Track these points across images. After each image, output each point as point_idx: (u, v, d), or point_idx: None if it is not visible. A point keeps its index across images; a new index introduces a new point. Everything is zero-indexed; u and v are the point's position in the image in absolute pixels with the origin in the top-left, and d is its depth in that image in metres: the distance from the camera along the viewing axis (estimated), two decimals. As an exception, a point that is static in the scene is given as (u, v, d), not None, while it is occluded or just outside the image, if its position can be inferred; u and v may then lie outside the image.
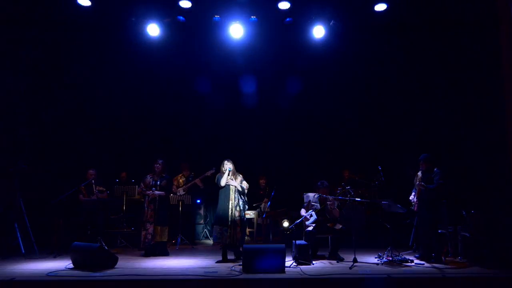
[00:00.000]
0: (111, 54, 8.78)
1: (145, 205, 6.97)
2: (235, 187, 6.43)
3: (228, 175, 6.44)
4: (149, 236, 6.79)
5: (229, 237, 6.28)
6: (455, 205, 6.84)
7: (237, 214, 6.35)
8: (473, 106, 7.96)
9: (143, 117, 9.46)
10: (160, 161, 7.12)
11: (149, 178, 7.06)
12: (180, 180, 8.56)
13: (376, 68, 9.09)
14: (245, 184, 6.53)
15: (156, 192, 6.94)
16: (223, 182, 6.42)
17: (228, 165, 6.49)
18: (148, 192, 6.95)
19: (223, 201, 6.44)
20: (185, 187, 8.38)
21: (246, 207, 6.61)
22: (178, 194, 8.29)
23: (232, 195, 6.42)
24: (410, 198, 6.61)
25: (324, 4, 7.83)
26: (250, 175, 6.77)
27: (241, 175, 6.62)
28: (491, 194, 6.99)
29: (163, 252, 6.91)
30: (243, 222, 6.47)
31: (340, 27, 8.05)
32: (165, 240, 6.99)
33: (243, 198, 6.50)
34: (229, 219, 6.31)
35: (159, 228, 6.86)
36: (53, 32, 8.38)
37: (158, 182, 7.03)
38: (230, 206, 6.36)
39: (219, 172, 6.61)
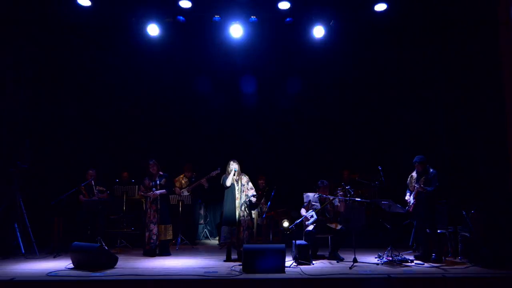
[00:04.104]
0: (111, 54, 8.78)
1: (147, 206, 6.99)
2: (241, 186, 6.42)
3: (234, 175, 6.45)
4: (154, 237, 6.81)
5: (236, 236, 6.28)
6: (455, 205, 6.84)
7: (245, 214, 6.35)
8: (473, 105, 7.95)
9: (143, 117, 9.45)
10: (151, 162, 7.09)
11: (147, 180, 7.07)
12: (183, 181, 8.52)
13: (376, 68, 9.09)
14: (251, 192, 6.51)
15: (157, 192, 6.95)
16: (228, 182, 6.42)
17: (234, 166, 6.49)
18: (149, 193, 6.96)
19: (230, 201, 6.43)
20: (189, 188, 8.36)
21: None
22: (183, 194, 8.28)
23: (238, 194, 6.43)
24: (406, 198, 6.62)
25: (324, 4, 7.83)
26: (249, 175, 6.77)
27: (246, 176, 6.62)
28: (491, 194, 6.98)
29: (165, 251, 6.92)
30: (251, 222, 6.47)
31: (340, 27, 8.05)
32: (170, 238, 7.03)
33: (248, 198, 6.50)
34: (237, 218, 6.33)
35: (163, 226, 6.89)
36: (53, 32, 8.38)
37: (158, 182, 7.04)
38: (237, 205, 6.38)
39: (225, 172, 6.59)
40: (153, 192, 6.94)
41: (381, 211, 7.26)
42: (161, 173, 7.16)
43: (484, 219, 6.32)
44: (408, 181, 6.57)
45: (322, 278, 5.08)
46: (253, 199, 6.50)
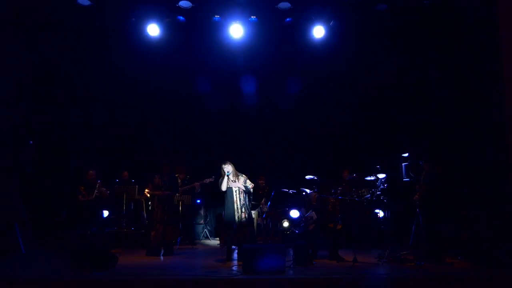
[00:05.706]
0: (111, 54, 8.77)
1: (154, 205, 7.01)
2: (238, 188, 6.36)
3: (229, 178, 6.34)
4: (160, 236, 6.84)
5: (236, 237, 6.23)
6: (455, 205, 6.84)
7: (243, 215, 6.30)
8: (473, 105, 7.95)
9: (142, 117, 9.45)
10: (166, 162, 7.19)
11: (157, 179, 7.06)
12: None
13: (376, 68, 9.09)
14: (249, 184, 6.45)
15: (166, 192, 6.97)
16: (223, 187, 6.32)
17: (227, 168, 6.36)
18: (157, 192, 6.97)
19: (229, 204, 6.36)
20: (180, 190, 8.28)
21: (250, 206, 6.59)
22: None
23: (236, 197, 6.34)
24: (415, 198, 6.61)
25: (324, 4, 7.84)
26: (250, 175, 6.75)
27: (244, 176, 6.52)
28: (491, 194, 6.98)
29: (168, 251, 6.94)
30: (251, 221, 6.46)
31: (340, 27, 8.05)
32: (177, 237, 7.10)
33: (249, 198, 6.46)
34: (237, 221, 6.26)
35: (170, 227, 6.91)
36: (53, 32, 8.37)
37: (167, 182, 7.05)
38: (235, 208, 6.30)
39: (220, 176, 6.46)
40: (162, 192, 6.95)
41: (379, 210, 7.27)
42: (171, 174, 7.19)
43: (484, 219, 6.31)
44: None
45: (322, 278, 5.07)
46: (250, 186, 6.41)
